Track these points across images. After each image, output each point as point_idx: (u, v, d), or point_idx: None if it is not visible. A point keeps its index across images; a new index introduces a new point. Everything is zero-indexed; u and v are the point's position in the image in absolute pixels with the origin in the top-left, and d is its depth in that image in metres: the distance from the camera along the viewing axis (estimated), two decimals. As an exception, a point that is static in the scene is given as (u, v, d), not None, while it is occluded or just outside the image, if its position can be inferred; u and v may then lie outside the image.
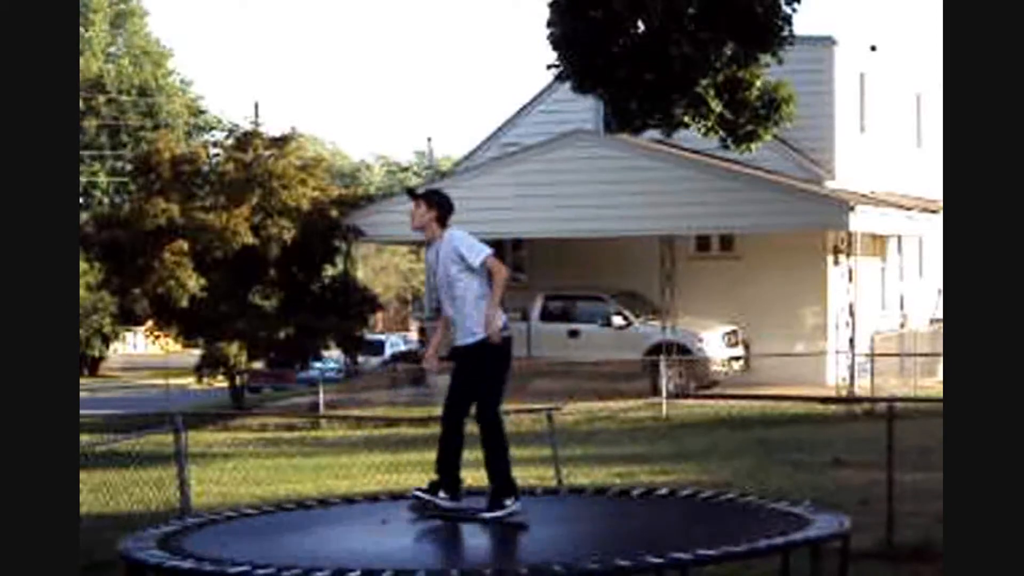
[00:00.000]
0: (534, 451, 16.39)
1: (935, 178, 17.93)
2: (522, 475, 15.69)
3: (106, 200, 55.81)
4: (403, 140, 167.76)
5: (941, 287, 18.97)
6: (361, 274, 37.99)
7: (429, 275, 9.61)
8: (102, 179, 57.71)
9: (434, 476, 9.44)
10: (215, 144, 36.64)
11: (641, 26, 24.36)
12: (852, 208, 26.92)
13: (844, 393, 26.02)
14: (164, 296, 29.07)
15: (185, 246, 28.91)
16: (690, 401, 26.34)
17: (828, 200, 28.05)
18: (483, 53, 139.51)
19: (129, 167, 43.34)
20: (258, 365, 33.20)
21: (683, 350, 27.58)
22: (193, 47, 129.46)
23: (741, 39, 24.30)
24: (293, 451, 22.47)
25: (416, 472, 17.13)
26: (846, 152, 31.01)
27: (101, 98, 57.42)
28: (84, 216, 38.02)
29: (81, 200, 49.09)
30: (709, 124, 25.87)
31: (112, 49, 63.12)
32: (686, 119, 25.59)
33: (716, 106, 24.64)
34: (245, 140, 32.08)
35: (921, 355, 27.59)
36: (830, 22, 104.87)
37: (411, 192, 9.65)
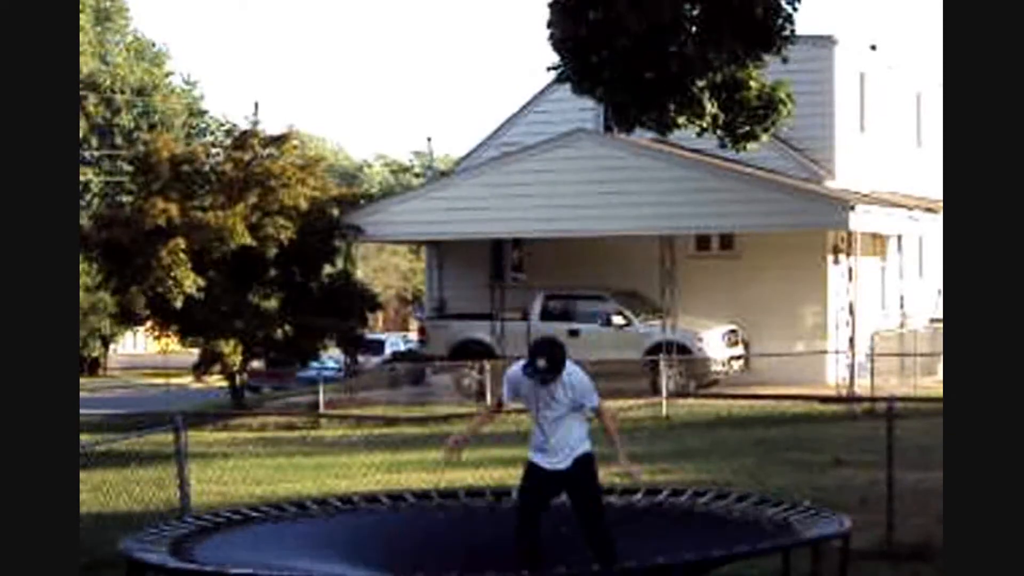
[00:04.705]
0: (534, 451, 16.37)
1: (935, 178, 17.92)
2: (521, 474, 15.72)
3: (96, 202, 55.59)
4: (403, 140, 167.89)
5: (941, 287, 18.97)
6: (361, 273, 38.03)
7: (520, 383, 9.29)
8: (94, 181, 57.51)
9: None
10: (214, 144, 36.62)
11: (641, 26, 24.36)
12: (852, 207, 26.91)
13: (844, 392, 25.99)
14: (162, 295, 29.07)
15: (183, 245, 28.89)
16: (690, 400, 26.32)
17: (828, 199, 28.05)
18: (483, 53, 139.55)
19: (127, 168, 43.34)
20: (258, 364, 33.20)
21: (683, 349, 27.57)
22: (193, 47, 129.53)
23: (742, 39, 24.31)
24: (293, 450, 22.45)
25: (416, 471, 17.14)
26: (846, 151, 31.00)
27: (93, 98, 57.24)
28: (82, 217, 37.97)
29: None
30: (704, 124, 25.89)
31: (104, 48, 62.97)
32: (680, 120, 25.61)
33: (712, 107, 24.66)
34: (243, 139, 32.08)
35: (921, 355, 27.57)
36: (830, 21, 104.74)
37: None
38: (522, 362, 9.30)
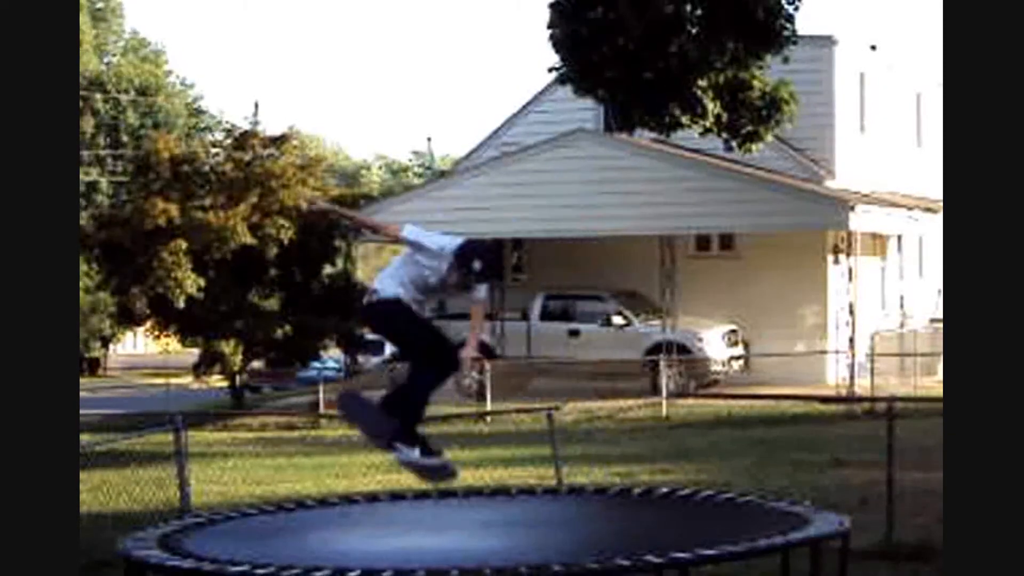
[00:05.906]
0: (534, 450, 16.41)
1: (935, 178, 17.93)
2: (522, 474, 15.74)
3: (106, 202, 55.64)
4: (403, 140, 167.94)
5: (941, 287, 18.97)
6: (361, 273, 38.00)
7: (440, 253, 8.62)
8: (103, 181, 57.54)
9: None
10: (214, 144, 36.66)
11: (642, 28, 24.39)
12: (852, 208, 26.91)
13: (844, 393, 25.98)
14: (163, 296, 29.09)
15: (184, 246, 28.91)
16: (690, 401, 26.33)
17: (828, 200, 28.04)
18: (483, 53, 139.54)
19: (129, 167, 43.38)
20: (258, 364, 33.22)
21: (683, 349, 27.57)
22: (194, 47, 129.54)
23: (744, 39, 24.34)
24: (293, 450, 22.46)
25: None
26: (846, 152, 31.00)
27: (98, 96, 57.25)
28: (84, 217, 37.97)
29: (82, 201, 48.90)
30: (707, 125, 25.89)
31: (103, 46, 62.93)
32: (683, 120, 25.63)
33: (714, 107, 24.67)
34: (244, 139, 32.10)
35: (921, 355, 27.57)
36: (830, 22, 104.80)
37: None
38: (450, 241, 8.45)
